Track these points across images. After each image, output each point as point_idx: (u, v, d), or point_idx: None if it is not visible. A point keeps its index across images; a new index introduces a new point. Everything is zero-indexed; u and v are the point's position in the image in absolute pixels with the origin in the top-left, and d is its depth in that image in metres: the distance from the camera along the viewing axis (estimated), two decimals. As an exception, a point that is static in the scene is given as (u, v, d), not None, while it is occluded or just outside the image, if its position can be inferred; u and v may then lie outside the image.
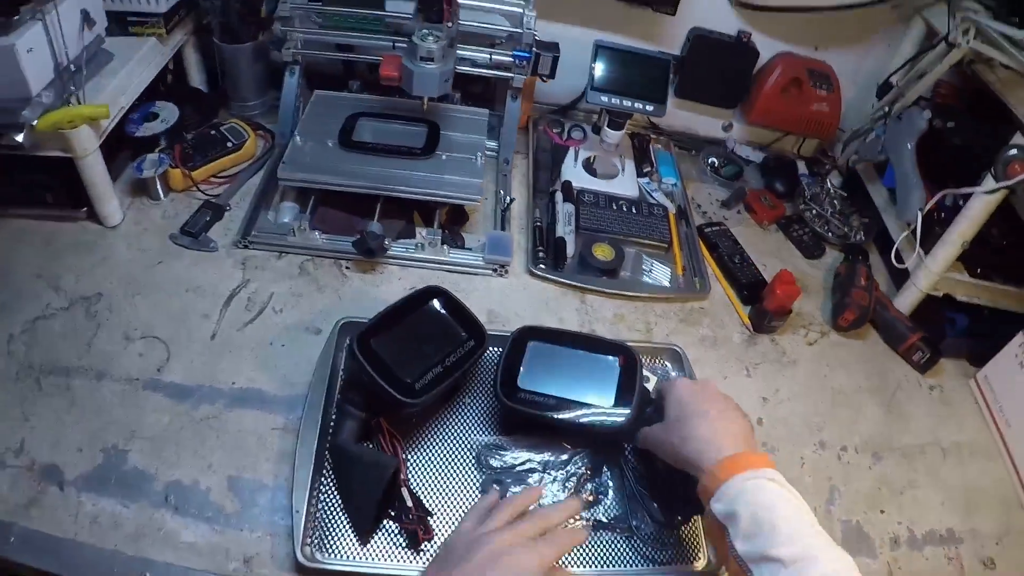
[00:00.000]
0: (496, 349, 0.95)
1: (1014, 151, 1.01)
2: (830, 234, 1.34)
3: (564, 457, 0.88)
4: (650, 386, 0.92)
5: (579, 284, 1.13)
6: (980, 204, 1.06)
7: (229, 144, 1.20)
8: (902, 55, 1.35)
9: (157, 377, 0.91)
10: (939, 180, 1.16)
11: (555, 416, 0.85)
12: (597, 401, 0.87)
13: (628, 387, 0.89)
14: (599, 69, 1.24)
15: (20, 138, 0.93)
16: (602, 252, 1.16)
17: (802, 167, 1.49)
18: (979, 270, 1.19)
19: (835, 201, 1.39)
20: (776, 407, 1.04)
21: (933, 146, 1.24)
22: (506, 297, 1.10)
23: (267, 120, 1.30)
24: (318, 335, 0.98)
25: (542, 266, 1.14)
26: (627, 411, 0.86)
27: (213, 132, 1.21)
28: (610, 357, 0.92)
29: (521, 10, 1.18)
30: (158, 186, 1.13)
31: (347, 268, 1.10)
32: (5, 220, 1.07)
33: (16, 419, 0.84)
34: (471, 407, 0.92)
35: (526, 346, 0.91)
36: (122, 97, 1.07)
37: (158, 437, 0.85)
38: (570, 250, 1.15)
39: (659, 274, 1.18)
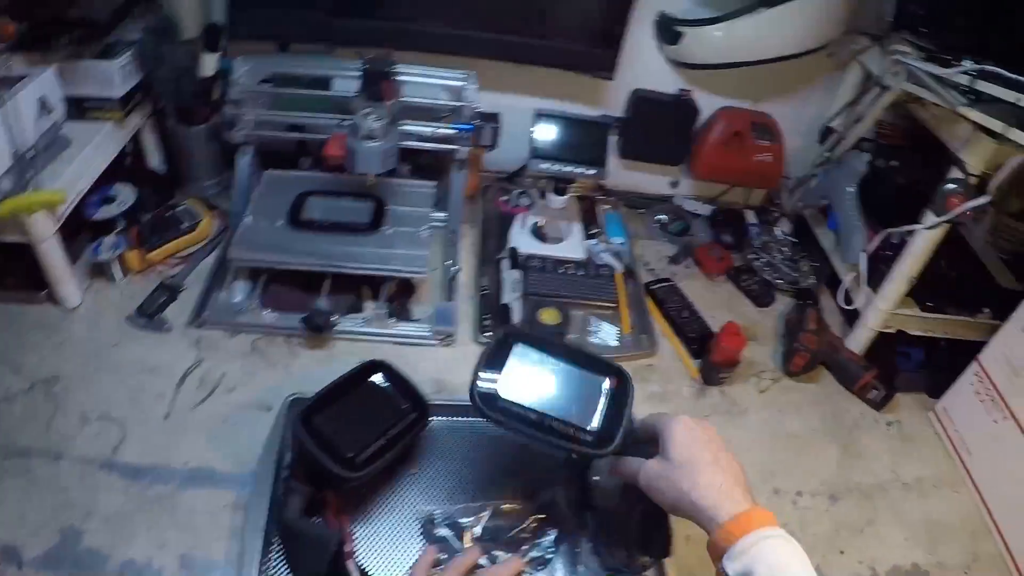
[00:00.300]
0: (442, 417, 0.97)
1: (951, 185, 1.03)
2: (780, 281, 1.36)
3: (512, 523, 0.87)
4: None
5: (524, 351, 1.14)
6: (922, 240, 1.09)
7: (184, 225, 1.22)
8: (841, 100, 1.38)
9: (113, 458, 0.92)
10: (886, 219, 1.18)
11: (533, 432, 0.77)
12: (581, 422, 0.77)
13: (617, 413, 0.79)
14: (539, 136, 1.27)
15: (-23, 224, 0.95)
16: (548, 316, 1.17)
17: (752, 217, 1.51)
18: (929, 303, 1.20)
19: (784, 248, 1.41)
20: (727, 458, 1.05)
21: (877, 186, 1.27)
22: (453, 366, 1.11)
23: (222, 200, 1.32)
24: (269, 412, 0.99)
25: (488, 333, 1.15)
26: (614, 436, 0.77)
27: (169, 214, 1.23)
28: (601, 377, 0.82)
29: (462, 84, 1.22)
30: (115, 268, 1.15)
31: (298, 344, 1.11)
32: (-35, 302, 1.09)
33: (-23, 500, 0.85)
34: (417, 477, 0.93)
35: (511, 349, 0.82)
36: (80, 181, 1.09)
37: (113, 517, 0.86)
38: (516, 316, 1.16)
39: (606, 335, 1.19)
